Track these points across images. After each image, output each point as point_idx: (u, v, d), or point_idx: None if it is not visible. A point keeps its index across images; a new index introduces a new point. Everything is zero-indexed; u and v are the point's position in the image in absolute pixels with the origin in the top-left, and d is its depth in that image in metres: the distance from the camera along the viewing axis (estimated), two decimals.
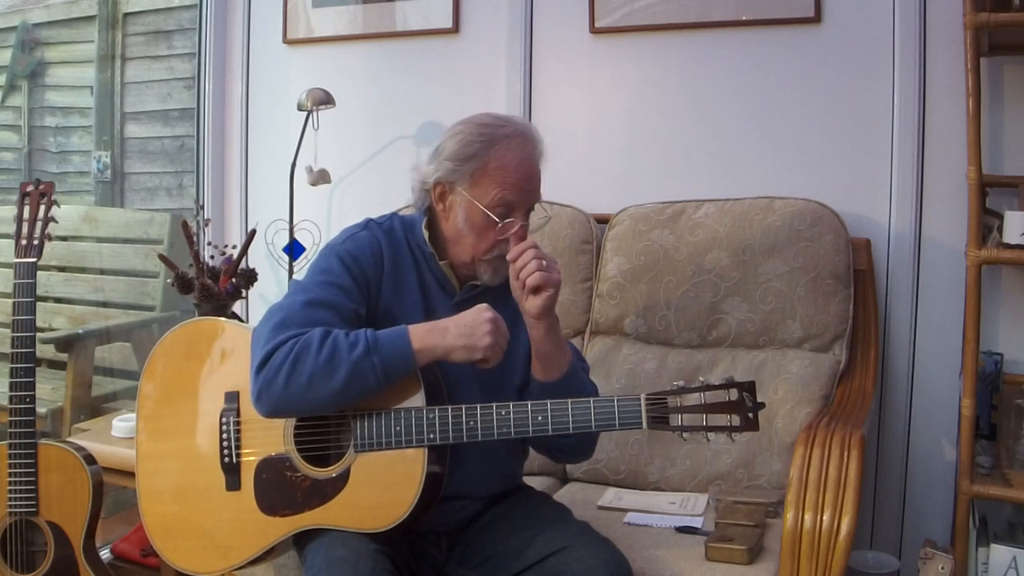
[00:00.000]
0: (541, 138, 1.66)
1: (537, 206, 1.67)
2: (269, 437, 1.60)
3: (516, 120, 1.66)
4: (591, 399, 1.50)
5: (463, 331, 1.49)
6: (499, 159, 1.58)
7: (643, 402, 1.46)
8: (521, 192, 1.59)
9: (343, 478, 1.55)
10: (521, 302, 1.57)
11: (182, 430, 1.67)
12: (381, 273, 1.64)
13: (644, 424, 1.46)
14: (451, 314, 1.58)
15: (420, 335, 1.50)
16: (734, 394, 1.45)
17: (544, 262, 1.54)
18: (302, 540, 1.58)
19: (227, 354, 1.69)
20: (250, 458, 1.61)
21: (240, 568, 1.63)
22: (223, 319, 1.78)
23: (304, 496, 1.56)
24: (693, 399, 1.45)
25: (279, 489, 1.58)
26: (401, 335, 1.49)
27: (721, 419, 1.45)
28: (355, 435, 1.54)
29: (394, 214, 1.75)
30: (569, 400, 1.50)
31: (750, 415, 1.45)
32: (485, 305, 1.53)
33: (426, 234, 1.67)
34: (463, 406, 1.51)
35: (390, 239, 1.67)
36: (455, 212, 1.62)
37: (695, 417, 1.45)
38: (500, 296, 1.66)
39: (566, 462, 1.82)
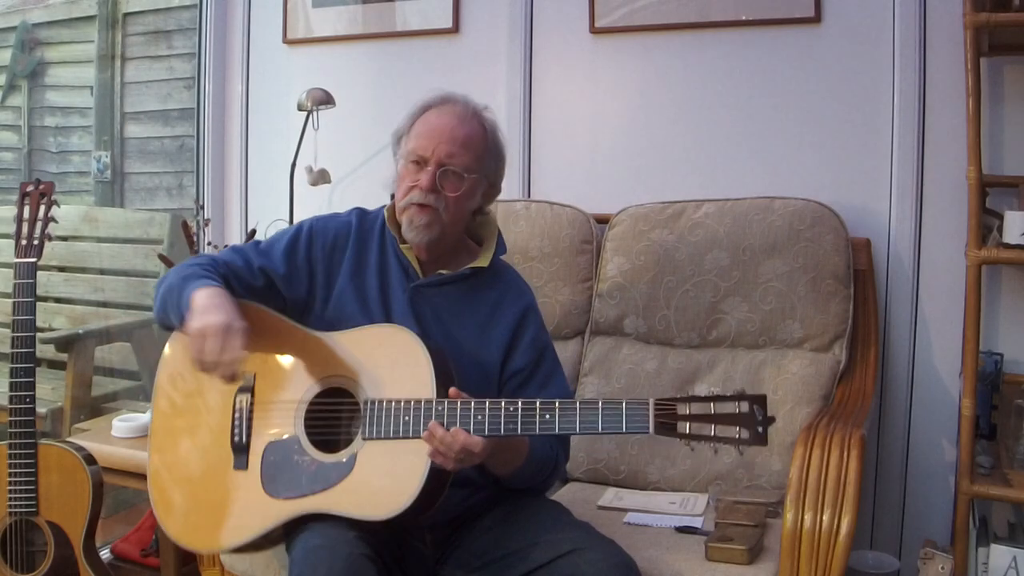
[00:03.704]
0: (477, 110, 1.75)
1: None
2: (281, 420, 1.61)
3: (459, 94, 1.76)
4: (599, 400, 1.49)
5: (197, 331, 1.48)
6: (424, 118, 1.73)
7: (651, 407, 1.45)
8: (431, 143, 1.68)
9: (349, 464, 1.55)
10: None
11: (197, 407, 1.67)
12: (342, 256, 1.74)
13: (651, 429, 1.44)
14: (403, 299, 1.70)
15: (199, 302, 1.52)
16: (744, 406, 1.42)
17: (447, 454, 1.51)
18: (292, 535, 1.57)
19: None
20: (260, 439, 1.61)
21: (237, 550, 1.62)
22: (246, 301, 1.73)
23: (309, 480, 1.56)
24: (702, 408, 1.43)
25: (285, 471, 1.58)
26: (192, 295, 1.53)
27: (730, 431, 1.42)
28: (364, 423, 1.55)
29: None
30: (578, 400, 1.50)
31: (759, 429, 1.42)
32: (220, 314, 1.49)
33: (386, 215, 1.76)
34: (472, 400, 1.51)
35: (365, 226, 1.77)
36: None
37: (703, 426, 1.43)
38: (471, 288, 1.71)
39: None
